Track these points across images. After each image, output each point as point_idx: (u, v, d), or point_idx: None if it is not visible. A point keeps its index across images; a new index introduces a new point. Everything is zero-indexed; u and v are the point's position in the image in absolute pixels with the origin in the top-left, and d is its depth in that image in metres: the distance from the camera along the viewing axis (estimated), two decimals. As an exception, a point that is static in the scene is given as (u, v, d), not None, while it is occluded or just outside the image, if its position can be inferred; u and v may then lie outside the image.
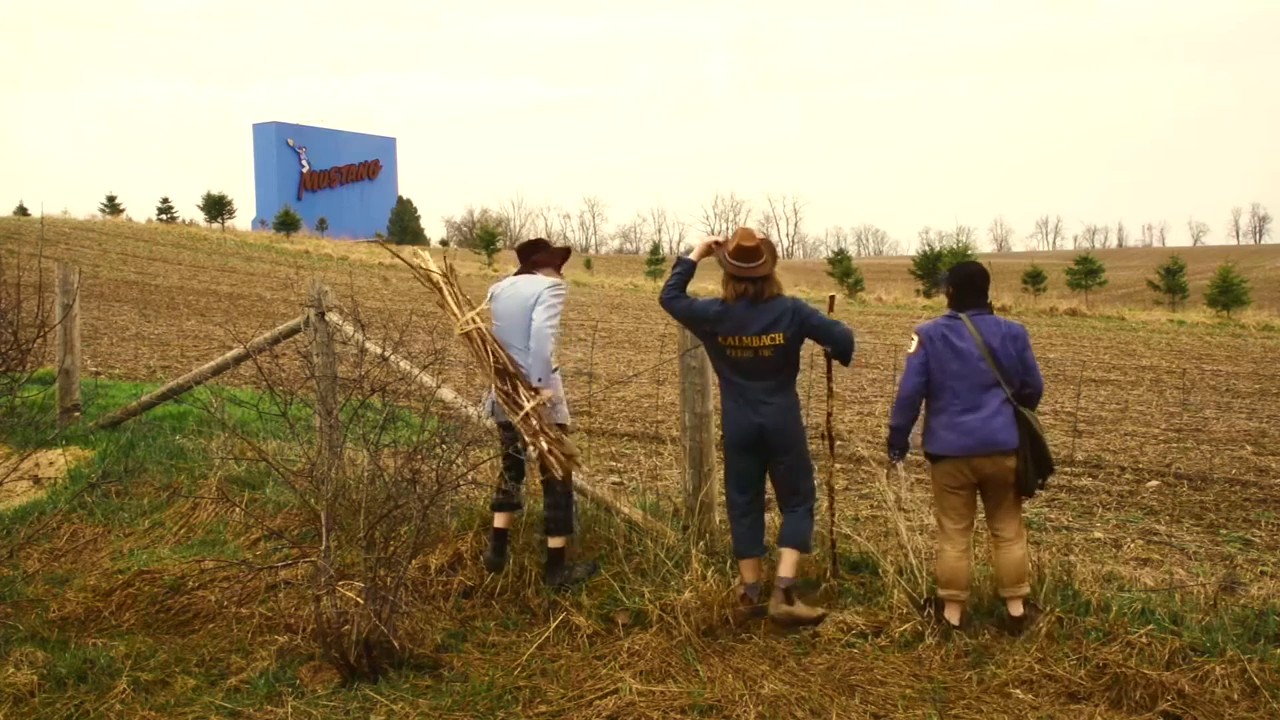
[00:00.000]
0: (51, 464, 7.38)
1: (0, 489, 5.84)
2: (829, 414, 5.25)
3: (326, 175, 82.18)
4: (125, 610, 5.27)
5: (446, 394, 6.03)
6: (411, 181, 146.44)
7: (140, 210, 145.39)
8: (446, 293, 5.17)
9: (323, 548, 4.51)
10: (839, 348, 4.83)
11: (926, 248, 54.92)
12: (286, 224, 56.33)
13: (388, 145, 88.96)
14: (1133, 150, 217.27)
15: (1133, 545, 6.25)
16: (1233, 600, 4.66)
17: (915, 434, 4.80)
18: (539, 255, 5.40)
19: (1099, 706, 3.95)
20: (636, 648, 4.49)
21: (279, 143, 78.87)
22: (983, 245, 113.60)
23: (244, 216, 74.95)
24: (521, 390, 5.00)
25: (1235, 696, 3.96)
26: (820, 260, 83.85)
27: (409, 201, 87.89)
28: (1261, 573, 5.67)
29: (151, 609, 5.25)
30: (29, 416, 7.27)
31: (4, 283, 5.88)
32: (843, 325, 4.84)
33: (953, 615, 4.61)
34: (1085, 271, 41.49)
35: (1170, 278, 38.31)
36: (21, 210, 57.86)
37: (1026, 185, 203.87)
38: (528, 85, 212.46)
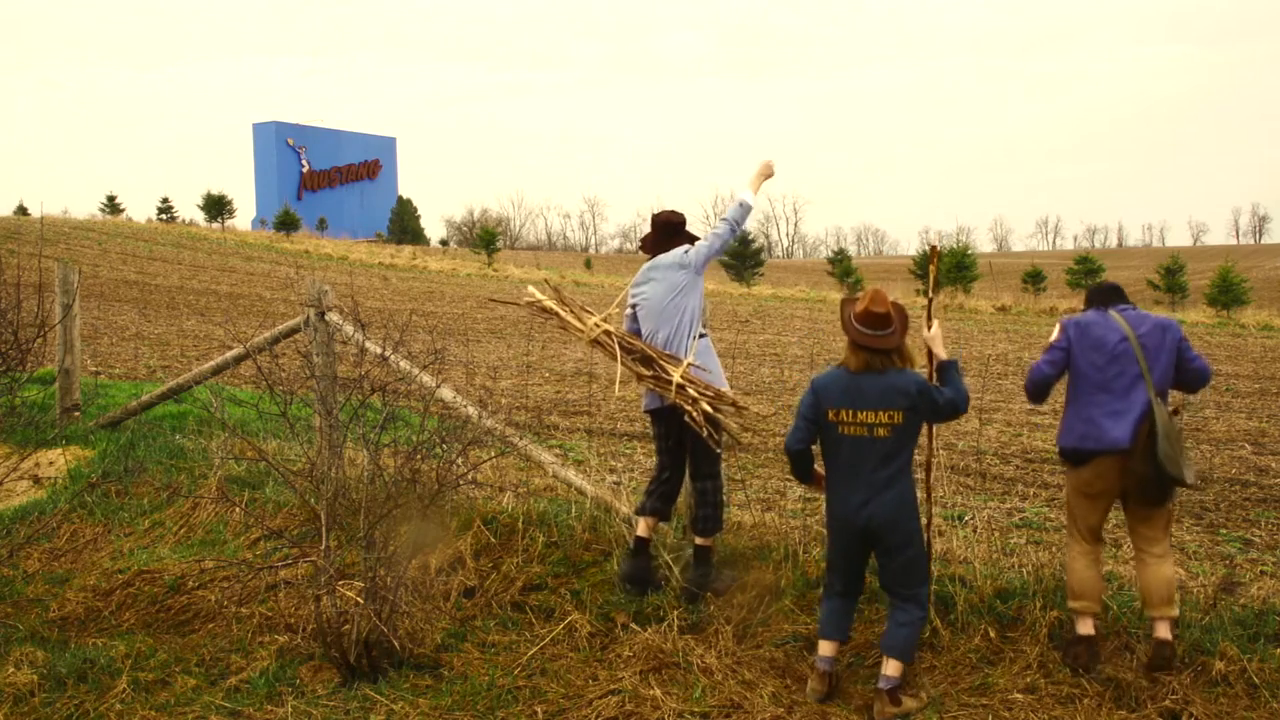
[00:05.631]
0: (51, 464, 7.38)
1: (0, 489, 5.84)
2: (929, 522, 4.67)
3: (326, 175, 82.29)
4: (125, 610, 5.27)
5: (446, 394, 6.03)
6: (411, 182, 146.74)
7: (140, 210, 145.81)
8: (563, 314, 5.18)
9: (323, 548, 4.51)
10: (946, 418, 4.34)
11: (926, 247, 54.96)
12: (286, 224, 56.38)
13: (388, 145, 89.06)
14: (1133, 149, 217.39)
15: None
16: (1233, 600, 4.66)
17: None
18: (677, 237, 5.28)
19: (1099, 705, 3.95)
20: (637, 647, 4.49)
21: (279, 142, 78.96)
22: (983, 245, 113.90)
23: (244, 216, 75.21)
24: (667, 366, 4.96)
25: (1235, 695, 3.96)
26: (820, 260, 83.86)
27: (409, 201, 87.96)
28: (1261, 573, 5.66)
29: (151, 609, 5.26)
30: (29, 416, 7.28)
31: (4, 282, 5.88)
32: (957, 399, 4.27)
33: (1085, 627, 4.26)
34: (1085, 271, 41.40)
35: (1170, 277, 38.22)
36: (21, 210, 57.89)
37: (1026, 185, 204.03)
38: (519, 72, 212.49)
